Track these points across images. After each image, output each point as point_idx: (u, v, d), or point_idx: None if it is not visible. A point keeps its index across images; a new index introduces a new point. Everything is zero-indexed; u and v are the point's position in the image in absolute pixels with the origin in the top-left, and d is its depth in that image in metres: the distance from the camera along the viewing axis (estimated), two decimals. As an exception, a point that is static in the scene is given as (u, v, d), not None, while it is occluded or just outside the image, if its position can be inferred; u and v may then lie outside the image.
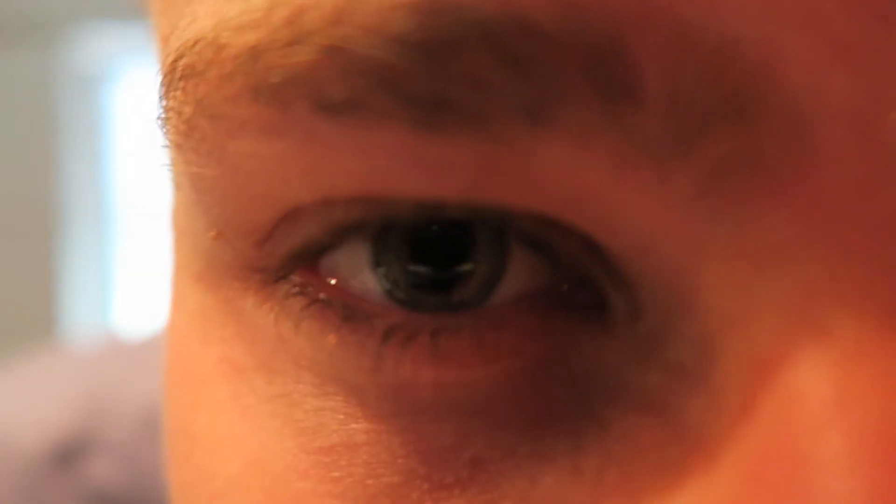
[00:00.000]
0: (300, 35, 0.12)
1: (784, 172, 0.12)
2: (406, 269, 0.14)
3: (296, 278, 0.15)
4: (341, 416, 0.15)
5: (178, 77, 0.14)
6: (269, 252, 0.15)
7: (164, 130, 0.15)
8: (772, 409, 0.12)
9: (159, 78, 0.15)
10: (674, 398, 0.13)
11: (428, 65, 0.12)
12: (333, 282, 0.15)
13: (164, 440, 0.19)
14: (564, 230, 0.14)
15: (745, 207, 0.12)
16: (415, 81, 0.12)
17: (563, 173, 0.12)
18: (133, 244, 2.06)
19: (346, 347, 0.15)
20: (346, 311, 0.15)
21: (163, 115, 0.15)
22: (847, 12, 0.11)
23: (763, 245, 0.12)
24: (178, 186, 0.17)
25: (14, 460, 0.33)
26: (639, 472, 0.13)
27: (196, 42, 0.14)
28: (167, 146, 0.16)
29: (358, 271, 0.15)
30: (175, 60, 0.14)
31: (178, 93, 0.14)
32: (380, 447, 0.15)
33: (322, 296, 0.15)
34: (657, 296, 0.13)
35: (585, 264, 0.14)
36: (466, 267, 0.14)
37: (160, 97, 0.15)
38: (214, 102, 0.14)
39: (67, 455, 0.33)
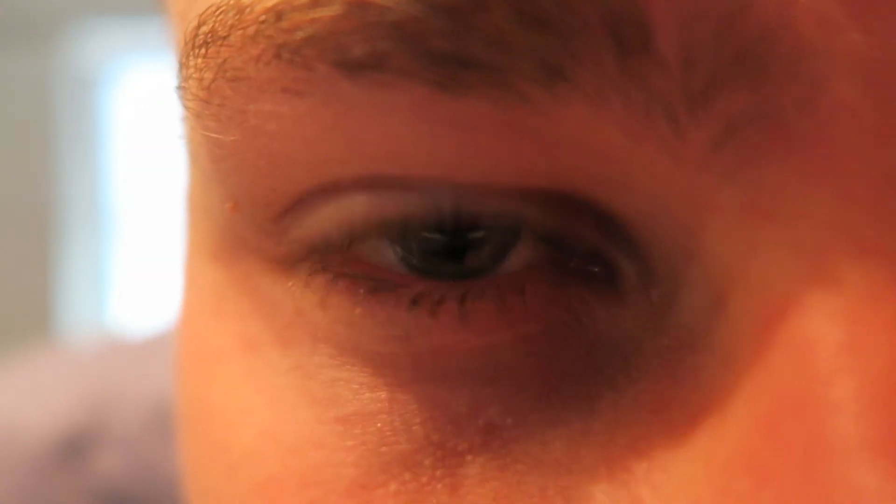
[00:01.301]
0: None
1: (797, 127, 0.12)
2: (420, 236, 0.15)
3: (317, 255, 0.16)
4: (356, 386, 0.15)
5: (199, 44, 0.14)
6: (289, 226, 0.16)
7: (183, 100, 0.15)
8: (782, 358, 0.12)
9: (178, 48, 0.15)
10: (685, 359, 0.13)
11: (450, 22, 0.12)
12: (355, 255, 0.15)
13: (171, 431, 0.19)
14: (577, 209, 0.14)
15: (757, 162, 0.12)
16: (437, 39, 0.12)
17: (580, 133, 0.13)
18: (129, 243, 2.06)
19: (373, 319, 0.15)
20: (372, 284, 0.15)
21: (182, 84, 0.15)
22: None
23: (774, 199, 0.12)
24: (194, 160, 0.17)
25: (21, 454, 0.34)
26: (650, 432, 0.13)
27: (217, 8, 0.14)
28: (184, 117, 0.16)
29: (377, 243, 0.15)
30: (196, 28, 0.14)
31: (199, 60, 0.15)
32: (394, 415, 0.15)
33: (346, 269, 0.15)
34: (669, 261, 0.13)
35: (597, 240, 0.14)
36: (478, 234, 0.15)
37: (179, 66, 0.15)
38: (236, 65, 0.14)
39: (74, 449, 0.34)
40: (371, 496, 0.15)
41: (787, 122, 0.12)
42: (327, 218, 0.15)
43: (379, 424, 0.15)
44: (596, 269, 0.14)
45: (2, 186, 1.96)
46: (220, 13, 0.14)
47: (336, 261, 0.15)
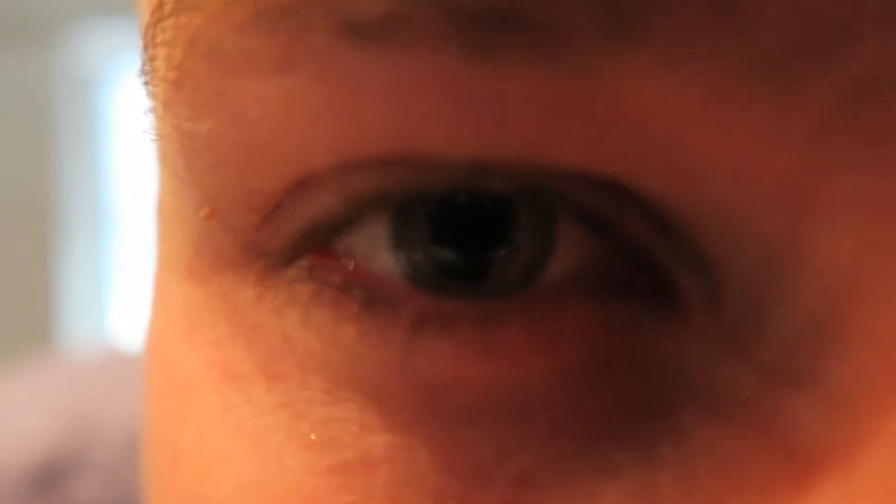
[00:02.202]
0: None
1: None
2: (430, 252, 0.12)
3: (303, 262, 0.13)
4: (356, 428, 0.13)
5: (166, 14, 0.12)
6: (275, 229, 0.13)
7: (149, 85, 0.13)
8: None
9: (142, 24, 0.13)
10: (776, 398, 0.11)
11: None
12: (350, 264, 0.13)
13: (142, 457, 0.16)
14: (626, 199, 0.11)
15: (886, 146, 0.09)
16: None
17: (649, 109, 0.10)
18: (130, 247, 2.07)
19: (366, 341, 0.12)
20: (367, 296, 0.12)
21: (147, 67, 0.13)
22: None
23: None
24: (163, 160, 0.14)
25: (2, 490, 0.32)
26: (732, 489, 0.11)
27: None
28: (151, 108, 0.13)
29: (375, 255, 0.13)
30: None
31: (168, 34, 0.12)
32: (403, 463, 0.12)
33: (336, 279, 0.13)
34: (748, 272, 0.11)
35: (651, 241, 0.11)
36: (501, 252, 0.12)
37: (144, 46, 0.13)
38: (212, 36, 0.11)
39: (51, 477, 0.32)
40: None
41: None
42: (319, 202, 0.12)
43: (385, 475, 0.12)
44: (647, 281, 0.12)
45: (1, 186, 1.96)
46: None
47: (323, 266, 0.13)
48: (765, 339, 0.11)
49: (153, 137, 0.15)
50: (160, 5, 0.12)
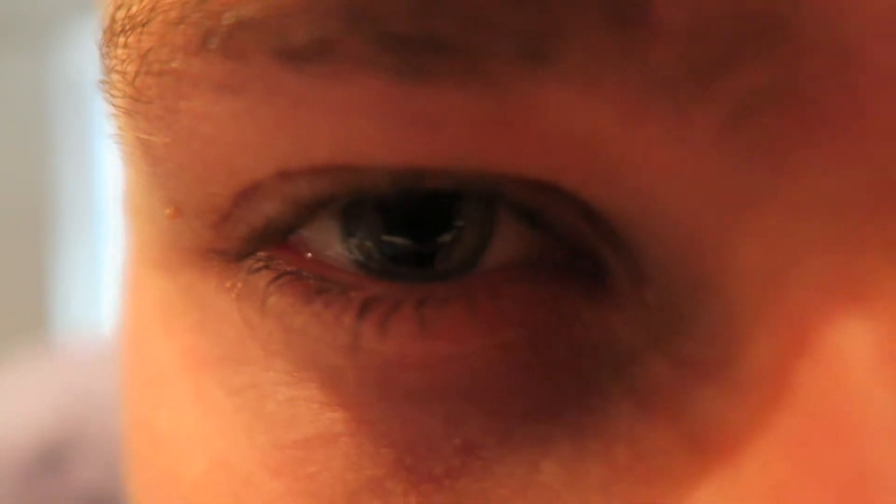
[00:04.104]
0: None
1: (826, 105, 0.10)
2: (380, 240, 0.13)
3: (261, 253, 0.14)
4: (316, 406, 0.14)
5: (118, 31, 0.13)
6: (231, 229, 0.14)
7: (109, 95, 0.14)
8: (812, 376, 0.10)
9: (99, 37, 0.14)
10: (692, 372, 0.11)
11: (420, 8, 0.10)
12: (305, 254, 0.14)
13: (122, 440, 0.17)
14: (560, 197, 0.12)
15: (777, 150, 0.10)
16: (399, 19, 0.10)
17: (566, 122, 0.11)
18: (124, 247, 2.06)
19: (320, 325, 0.13)
20: (319, 284, 0.13)
21: (106, 78, 0.13)
22: None
23: (799, 191, 0.10)
24: (130, 160, 0.15)
25: (1, 464, 0.33)
26: (653, 454, 0.12)
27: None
28: (114, 113, 0.14)
29: (327, 245, 0.13)
30: (114, 11, 0.13)
31: (121, 50, 0.13)
32: (360, 437, 0.13)
33: (290, 268, 0.13)
34: (666, 262, 0.12)
35: (582, 231, 0.12)
36: (447, 237, 0.13)
37: (101, 57, 0.13)
38: (161, 57, 0.12)
39: (55, 458, 0.33)
40: (383, 474, 0.13)
41: (813, 100, 0.10)
42: (270, 207, 0.13)
43: (343, 448, 0.13)
44: (582, 266, 0.13)
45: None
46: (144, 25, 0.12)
47: (280, 257, 0.14)
48: (683, 330, 0.12)
49: (118, 140, 0.15)
50: (112, 22, 0.13)
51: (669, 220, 0.11)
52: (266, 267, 0.14)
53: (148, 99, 0.13)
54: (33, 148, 2.02)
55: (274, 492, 0.14)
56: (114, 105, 0.14)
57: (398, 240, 0.13)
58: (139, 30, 0.12)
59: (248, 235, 0.14)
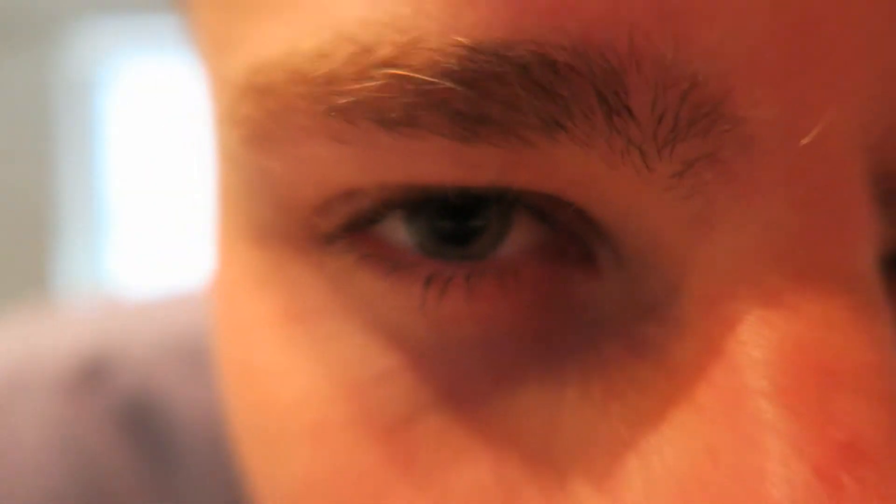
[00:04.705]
0: (369, 68, 0.15)
1: (734, 166, 0.15)
2: (434, 224, 0.18)
3: (347, 239, 0.18)
4: (384, 351, 0.18)
5: (251, 90, 0.17)
6: (321, 225, 0.18)
7: (230, 129, 0.18)
8: (723, 372, 0.15)
9: (228, 84, 0.18)
10: (646, 329, 0.17)
11: (473, 91, 0.15)
12: (379, 239, 0.18)
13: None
14: (562, 203, 0.17)
15: (705, 189, 0.15)
16: (461, 103, 0.15)
17: (570, 166, 0.16)
18: (126, 248, 2.07)
19: (394, 293, 0.18)
20: (393, 263, 0.18)
21: (230, 117, 0.18)
22: (783, 66, 0.14)
23: (716, 215, 0.16)
24: (232, 163, 0.20)
25: (41, 377, 0.35)
26: (633, 381, 0.17)
27: (273, 64, 0.16)
28: (234, 142, 0.19)
29: (395, 233, 0.18)
30: (249, 75, 0.17)
31: (251, 103, 0.17)
32: (416, 372, 0.18)
33: (369, 250, 0.18)
34: (637, 252, 0.17)
35: (578, 227, 0.17)
36: (479, 223, 0.18)
37: (227, 100, 0.18)
38: (287, 115, 0.17)
39: (94, 371, 0.35)
40: (410, 431, 0.18)
41: (726, 163, 0.15)
42: (355, 209, 0.18)
43: (403, 382, 0.18)
44: (576, 251, 0.18)
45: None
46: (275, 70, 0.16)
47: (362, 244, 0.18)
48: (644, 292, 0.17)
49: (217, 144, 0.20)
50: (247, 81, 0.17)
51: (640, 226, 0.16)
52: (352, 249, 0.18)
53: (270, 139, 0.17)
54: (34, 147, 2.01)
55: (346, 416, 0.18)
56: (236, 136, 0.18)
57: (446, 224, 0.18)
58: (272, 94, 0.17)
59: (336, 227, 0.18)
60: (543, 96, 0.15)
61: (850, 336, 0.15)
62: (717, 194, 0.15)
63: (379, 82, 0.15)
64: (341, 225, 0.18)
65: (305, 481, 0.19)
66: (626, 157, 0.15)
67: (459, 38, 0.14)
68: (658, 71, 0.14)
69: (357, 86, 0.15)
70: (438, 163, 0.16)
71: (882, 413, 0.14)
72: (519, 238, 0.18)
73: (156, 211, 2.10)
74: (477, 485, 0.17)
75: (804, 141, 0.14)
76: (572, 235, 0.18)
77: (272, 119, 0.17)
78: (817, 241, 0.15)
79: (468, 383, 0.18)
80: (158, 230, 2.08)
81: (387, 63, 0.15)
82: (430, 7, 0.15)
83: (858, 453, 0.14)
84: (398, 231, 0.18)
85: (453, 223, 0.17)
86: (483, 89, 0.15)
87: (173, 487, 0.34)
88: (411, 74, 0.15)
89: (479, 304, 0.17)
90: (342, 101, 0.16)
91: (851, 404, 0.14)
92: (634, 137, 0.15)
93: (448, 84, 0.15)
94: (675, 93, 0.14)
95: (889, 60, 0.14)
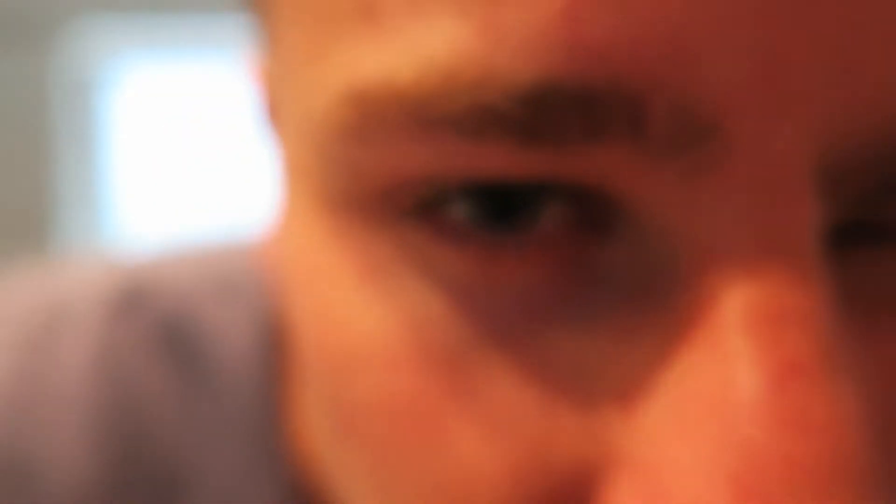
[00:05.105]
0: (454, 93, 0.19)
1: (718, 166, 0.19)
2: (487, 205, 0.21)
3: (414, 215, 0.22)
4: (441, 297, 0.22)
5: (353, 97, 0.20)
6: (395, 202, 0.22)
7: (327, 125, 0.22)
8: (706, 292, 0.19)
9: (326, 89, 0.22)
10: (649, 286, 0.20)
11: (534, 115, 0.19)
12: (442, 214, 0.21)
13: (297, 331, 0.26)
14: (589, 191, 0.21)
15: (698, 183, 0.19)
16: (522, 122, 0.19)
17: (602, 165, 0.20)
18: (127, 247, 2.05)
19: (455, 257, 0.21)
20: (451, 234, 0.21)
21: (326, 116, 0.22)
22: (759, 93, 0.18)
23: (702, 201, 0.19)
24: (316, 149, 0.23)
25: (83, 306, 0.38)
26: (642, 339, 0.20)
27: (375, 83, 0.20)
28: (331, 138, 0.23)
29: (455, 208, 0.21)
30: (351, 87, 0.21)
31: (351, 109, 0.20)
32: (466, 316, 0.21)
33: (434, 224, 0.21)
34: (645, 226, 0.20)
35: (601, 207, 0.21)
36: (524, 204, 0.21)
37: (326, 103, 0.22)
38: (382, 122, 0.20)
39: (133, 296, 0.38)
40: (459, 362, 0.21)
41: (715, 163, 0.19)
42: (425, 192, 0.22)
43: (459, 319, 0.22)
44: (600, 223, 0.21)
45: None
46: (377, 88, 0.20)
47: (428, 218, 0.22)
48: (647, 254, 0.20)
49: (294, 132, 0.24)
50: (348, 96, 0.21)
51: (649, 207, 0.20)
52: (417, 223, 0.22)
53: (364, 138, 0.21)
54: (34, 147, 1.98)
55: (407, 348, 0.22)
56: (329, 133, 0.22)
57: (498, 205, 0.21)
58: (371, 106, 0.20)
59: (409, 205, 0.22)
60: (585, 119, 0.19)
61: (796, 291, 0.19)
62: (705, 186, 0.19)
63: (461, 105, 0.19)
64: (412, 204, 0.22)
65: (368, 401, 0.23)
66: (641, 159, 0.19)
67: (524, 74, 0.19)
68: (671, 98, 0.19)
69: (444, 107, 0.19)
70: (498, 162, 0.20)
71: (816, 342, 0.19)
72: (554, 214, 0.22)
73: (155, 211, 2.11)
74: (517, 405, 0.21)
75: (771, 148, 0.19)
76: (596, 212, 0.22)
77: (368, 124, 0.21)
78: (774, 222, 0.19)
79: (508, 325, 0.21)
80: (158, 230, 2.09)
81: (468, 90, 0.19)
82: (504, 46, 0.19)
83: (798, 368, 0.19)
84: (458, 208, 0.21)
85: (503, 204, 0.21)
86: (539, 112, 0.19)
87: (205, 405, 0.36)
88: (486, 100, 0.19)
89: (520, 266, 0.21)
90: (430, 116, 0.20)
91: (795, 337, 0.19)
92: (649, 147, 0.19)
93: (514, 107, 0.19)
94: (683, 114, 0.19)
95: (838, 92, 0.19)
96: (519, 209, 0.21)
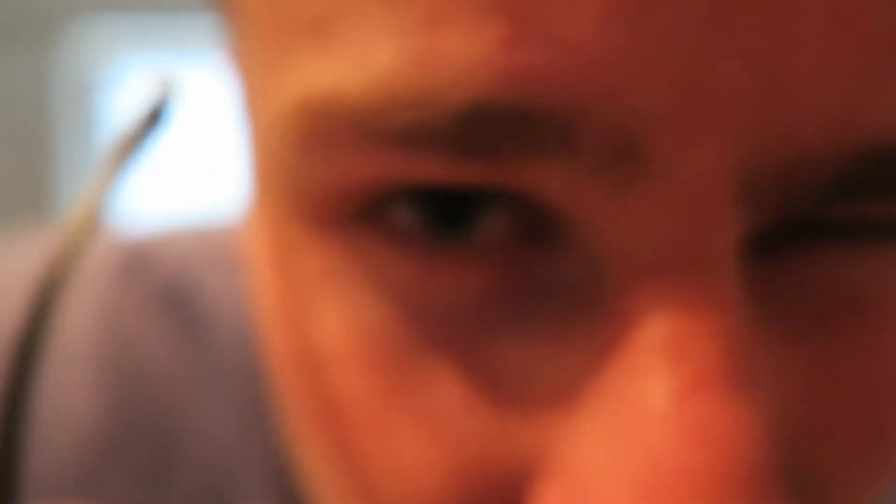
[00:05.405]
0: (397, 108, 0.20)
1: (641, 184, 0.20)
2: (431, 213, 0.22)
3: (362, 221, 0.23)
4: (389, 302, 0.22)
5: (304, 108, 0.21)
6: (348, 206, 0.23)
7: (281, 134, 0.23)
8: (629, 304, 0.21)
9: (280, 98, 0.23)
10: (584, 295, 0.21)
11: (470, 133, 0.20)
12: (387, 220, 0.22)
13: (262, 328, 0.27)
14: (528, 199, 0.22)
15: (629, 199, 0.20)
16: (459, 139, 0.20)
17: (539, 179, 0.21)
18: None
19: (398, 262, 0.22)
20: (397, 240, 0.22)
21: (281, 124, 0.23)
22: (681, 119, 0.19)
23: (627, 215, 0.20)
24: (275, 157, 0.24)
25: (90, 273, 0.38)
26: (575, 350, 0.21)
27: (324, 94, 0.21)
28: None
29: (401, 214, 0.22)
30: (302, 97, 0.22)
31: (302, 119, 0.22)
32: (412, 321, 0.22)
33: (381, 230, 0.22)
34: (581, 237, 0.21)
35: (541, 218, 0.22)
36: (466, 213, 0.22)
37: (281, 111, 0.23)
38: (329, 132, 0.21)
39: (137, 261, 0.39)
40: (405, 364, 0.22)
41: (640, 177, 0.20)
42: (371, 199, 0.23)
43: (405, 324, 0.23)
44: (541, 235, 0.23)
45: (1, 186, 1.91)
46: (325, 99, 0.21)
47: (375, 224, 0.22)
48: (582, 266, 0.21)
49: (259, 139, 0.25)
50: (299, 102, 0.22)
51: (584, 218, 0.21)
52: (366, 228, 0.23)
53: (313, 146, 0.22)
54: (34, 146, 2.04)
55: (358, 350, 0.23)
56: (283, 139, 0.23)
57: (442, 213, 0.22)
58: (321, 116, 0.22)
59: (356, 211, 0.22)
60: (518, 137, 0.20)
61: (709, 308, 0.20)
62: (633, 204, 0.21)
63: (401, 120, 0.20)
64: (359, 208, 0.23)
65: (325, 401, 0.24)
66: (574, 171, 0.20)
67: (460, 95, 0.20)
68: (598, 121, 0.20)
69: (386, 121, 0.21)
70: (440, 171, 0.21)
71: (723, 357, 0.20)
72: (497, 224, 0.23)
73: (155, 211, 2.13)
74: (457, 408, 0.22)
75: (689, 168, 0.20)
76: (537, 223, 0.23)
77: (317, 134, 0.22)
78: (691, 240, 0.20)
79: (449, 330, 0.22)
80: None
81: (408, 107, 0.20)
82: (443, 68, 0.20)
83: (703, 382, 0.20)
84: (402, 213, 0.22)
85: (447, 211, 0.22)
86: (475, 131, 0.20)
87: (204, 367, 0.38)
88: (424, 118, 0.20)
89: (461, 273, 0.22)
90: (374, 129, 0.21)
91: (703, 353, 0.20)
92: (580, 160, 0.20)
93: (450, 125, 0.20)
94: (610, 135, 0.20)
95: (757, 121, 0.20)
96: (462, 217, 0.22)
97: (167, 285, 0.38)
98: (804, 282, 0.23)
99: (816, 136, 0.20)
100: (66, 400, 0.36)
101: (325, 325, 0.24)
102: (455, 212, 0.22)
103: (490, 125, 0.20)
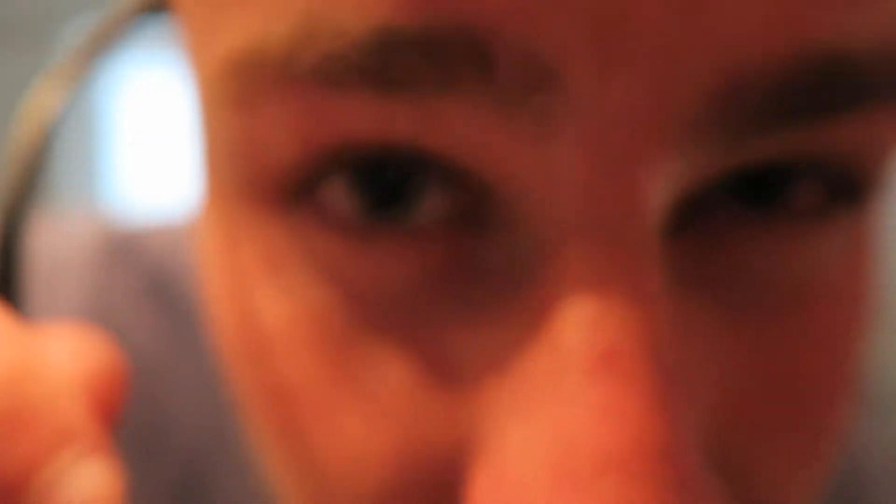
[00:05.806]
0: (313, 46, 0.20)
1: (563, 118, 0.19)
2: (367, 194, 0.22)
3: (300, 202, 0.22)
4: (329, 286, 0.22)
5: (232, 68, 0.21)
6: (285, 185, 0.23)
7: (217, 101, 0.23)
8: (553, 281, 0.20)
9: (213, 64, 0.22)
10: (525, 281, 0.21)
11: (382, 62, 0.19)
12: (324, 203, 0.22)
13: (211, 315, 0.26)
14: (465, 179, 0.21)
15: (547, 139, 0.19)
16: (374, 71, 0.19)
17: (450, 119, 0.20)
18: None
19: (336, 244, 0.22)
20: (334, 222, 0.22)
21: (215, 92, 0.23)
22: (599, 48, 0.18)
23: (553, 166, 0.20)
24: (217, 134, 0.24)
25: (76, 255, 0.40)
26: (505, 332, 0.21)
27: (249, 49, 0.21)
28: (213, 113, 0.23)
29: (338, 197, 0.22)
30: (231, 57, 0.21)
31: (233, 80, 0.21)
32: (353, 305, 0.22)
33: (318, 212, 0.22)
34: (513, 212, 0.21)
35: (473, 195, 0.21)
36: (402, 194, 0.22)
37: (214, 79, 0.22)
38: (257, 86, 0.21)
39: (123, 248, 0.40)
40: (347, 347, 0.22)
41: (558, 107, 0.19)
42: (305, 174, 0.22)
43: (346, 307, 0.23)
44: (475, 215, 0.22)
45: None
46: (250, 53, 0.21)
47: (313, 206, 0.22)
48: (528, 248, 0.21)
49: (205, 121, 0.24)
50: (228, 58, 0.22)
51: (506, 166, 0.20)
52: (304, 210, 0.22)
53: (244, 105, 0.22)
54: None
55: (301, 334, 0.23)
56: (219, 107, 0.23)
57: (377, 194, 0.21)
58: (248, 70, 0.21)
59: (292, 191, 0.22)
60: (433, 66, 0.19)
61: (627, 283, 0.19)
62: (552, 145, 0.19)
63: (319, 56, 0.20)
64: (296, 187, 0.22)
65: (271, 386, 0.24)
66: (489, 109, 0.19)
67: (366, 23, 0.19)
68: (514, 44, 0.19)
69: (306, 60, 0.20)
70: (362, 118, 0.20)
71: (638, 337, 0.19)
72: (433, 206, 0.22)
73: (156, 210, 2.13)
74: (397, 391, 0.22)
75: (609, 97, 0.19)
76: (472, 204, 0.22)
77: (245, 89, 0.21)
78: (614, 197, 0.19)
79: (387, 314, 0.22)
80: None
81: (323, 43, 0.20)
82: (348, 3, 0.19)
83: (617, 362, 0.19)
84: (341, 198, 0.22)
85: (382, 193, 0.22)
86: (387, 60, 0.19)
87: (188, 352, 0.38)
88: (339, 51, 0.20)
89: (399, 256, 0.22)
90: (295, 70, 0.20)
91: (618, 332, 0.19)
92: (495, 93, 0.19)
93: (363, 57, 0.19)
94: (526, 59, 0.19)
95: (683, 42, 0.18)
96: (398, 199, 0.22)
97: (152, 272, 0.39)
98: (740, 265, 0.22)
99: (752, 52, 0.18)
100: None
101: (269, 309, 0.23)
102: (392, 194, 0.22)
103: (401, 54, 0.19)
